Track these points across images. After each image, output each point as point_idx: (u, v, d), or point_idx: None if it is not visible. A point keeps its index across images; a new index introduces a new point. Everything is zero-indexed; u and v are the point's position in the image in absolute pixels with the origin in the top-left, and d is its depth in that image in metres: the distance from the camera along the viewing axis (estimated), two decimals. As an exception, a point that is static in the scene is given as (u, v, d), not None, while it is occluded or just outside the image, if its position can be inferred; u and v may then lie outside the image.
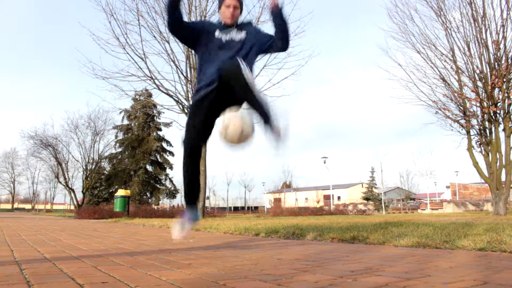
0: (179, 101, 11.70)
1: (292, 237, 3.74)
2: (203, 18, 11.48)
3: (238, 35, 2.63)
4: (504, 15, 9.73)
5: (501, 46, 9.82)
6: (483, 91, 10.13)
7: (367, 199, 44.16)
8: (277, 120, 2.20)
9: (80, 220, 12.14)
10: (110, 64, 37.12)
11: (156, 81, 11.38)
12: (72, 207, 32.01)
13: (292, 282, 1.45)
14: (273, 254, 2.40)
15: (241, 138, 2.29)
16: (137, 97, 26.30)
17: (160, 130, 36.27)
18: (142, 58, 11.12)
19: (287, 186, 57.07)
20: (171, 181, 36.31)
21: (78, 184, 28.72)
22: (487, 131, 10.30)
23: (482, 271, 1.64)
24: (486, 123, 10.29)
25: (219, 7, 2.68)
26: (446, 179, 67.86)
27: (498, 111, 9.98)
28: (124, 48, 11.02)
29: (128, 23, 10.92)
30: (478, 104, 10.23)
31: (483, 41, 10.00)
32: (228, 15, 2.60)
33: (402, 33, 11.28)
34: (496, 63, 9.87)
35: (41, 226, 6.95)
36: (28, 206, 63.76)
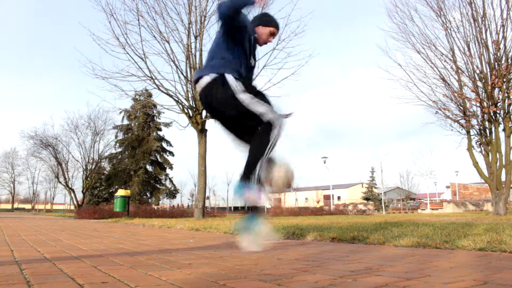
0: (179, 101, 11.70)
1: (292, 237, 3.74)
2: (203, 19, 11.48)
3: (253, 62, 2.66)
4: (504, 15, 9.74)
5: (501, 46, 9.82)
6: (483, 91, 10.13)
7: (367, 199, 44.15)
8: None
9: (80, 220, 12.15)
10: (110, 64, 37.16)
11: (156, 81, 11.38)
12: (72, 207, 32.00)
13: (292, 282, 1.45)
14: (273, 254, 2.40)
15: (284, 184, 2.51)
16: (137, 97, 26.28)
17: (160, 130, 36.28)
18: (142, 58, 11.12)
19: (287, 186, 56.95)
20: (171, 181, 36.33)
21: (78, 184, 28.77)
22: (487, 131, 10.30)
23: (482, 271, 1.64)
24: (486, 123, 10.29)
25: (264, 25, 2.62)
26: (446, 179, 67.96)
27: (498, 111, 9.98)
28: (124, 48, 11.03)
29: (128, 23, 10.93)
30: (478, 104, 10.23)
31: (483, 41, 10.00)
32: (267, 42, 2.65)
33: (402, 33, 11.30)
34: (496, 63, 9.87)
35: (41, 226, 6.95)
36: (28, 206, 63.77)
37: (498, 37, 9.83)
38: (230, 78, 2.40)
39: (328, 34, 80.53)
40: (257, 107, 2.36)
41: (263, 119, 2.35)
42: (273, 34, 2.65)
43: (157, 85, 11.42)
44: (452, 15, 10.51)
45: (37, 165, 45.53)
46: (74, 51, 27.86)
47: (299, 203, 45.92)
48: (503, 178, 10.02)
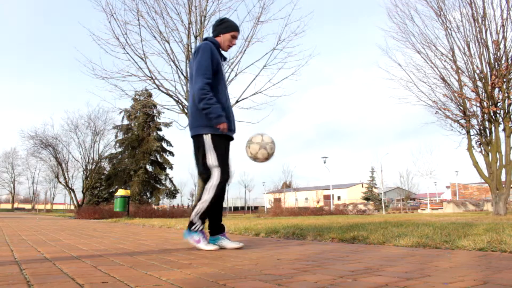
0: (179, 101, 11.68)
1: (292, 237, 3.74)
2: (203, 19, 11.48)
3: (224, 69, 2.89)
4: (504, 15, 9.73)
5: (501, 46, 9.81)
6: (483, 91, 10.13)
7: (367, 199, 44.16)
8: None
9: (80, 220, 12.14)
10: (110, 64, 37.10)
11: (156, 81, 11.35)
12: (72, 207, 32.00)
13: (292, 282, 1.45)
14: (273, 254, 2.40)
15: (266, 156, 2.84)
16: (137, 97, 26.27)
17: (160, 130, 36.27)
18: (142, 58, 11.10)
19: (287, 186, 57.06)
20: (171, 181, 36.32)
21: (78, 184, 28.76)
22: (487, 131, 10.30)
23: (482, 271, 1.64)
24: (486, 123, 10.29)
25: (224, 32, 2.81)
26: (446, 179, 67.98)
27: (498, 111, 9.98)
28: (124, 48, 11.00)
29: (128, 23, 10.90)
30: (478, 104, 10.23)
31: (483, 41, 10.00)
32: (231, 46, 2.84)
33: (402, 33, 11.30)
34: (496, 63, 9.87)
35: (41, 226, 6.95)
36: (28, 206, 63.82)
37: (498, 37, 9.82)
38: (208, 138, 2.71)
39: (328, 34, 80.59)
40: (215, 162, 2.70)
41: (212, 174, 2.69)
42: (234, 37, 2.84)
43: (157, 85, 11.40)
44: (452, 15, 10.51)
45: (37, 165, 45.67)
46: (74, 51, 27.74)
47: (299, 203, 45.94)
48: (503, 178, 10.02)
